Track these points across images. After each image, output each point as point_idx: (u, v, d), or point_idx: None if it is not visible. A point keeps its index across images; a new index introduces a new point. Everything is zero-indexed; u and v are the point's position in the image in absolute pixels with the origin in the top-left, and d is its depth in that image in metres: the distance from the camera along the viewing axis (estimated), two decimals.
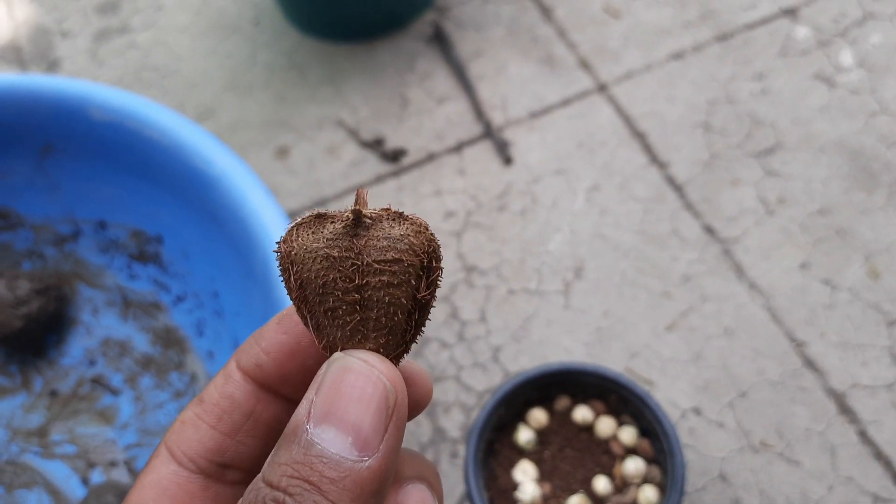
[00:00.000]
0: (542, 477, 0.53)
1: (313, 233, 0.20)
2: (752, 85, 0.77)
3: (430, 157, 0.75)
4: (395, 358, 0.20)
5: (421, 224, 0.20)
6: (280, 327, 0.21)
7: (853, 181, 0.70)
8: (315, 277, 0.19)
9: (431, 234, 0.20)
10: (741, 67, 0.78)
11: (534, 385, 0.54)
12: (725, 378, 0.61)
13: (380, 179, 0.74)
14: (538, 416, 0.55)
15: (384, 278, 0.19)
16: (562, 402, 0.55)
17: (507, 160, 0.73)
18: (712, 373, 0.61)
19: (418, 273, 0.19)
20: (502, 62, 0.81)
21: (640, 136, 0.74)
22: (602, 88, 0.78)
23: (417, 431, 0.60)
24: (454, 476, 0.58)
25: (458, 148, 0.75)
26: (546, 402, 0.56)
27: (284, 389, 0.21)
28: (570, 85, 0.78)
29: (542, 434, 0.55)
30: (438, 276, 0.20)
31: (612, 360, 0.62)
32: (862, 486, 0.56)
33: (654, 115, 0.75)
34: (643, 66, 0.79)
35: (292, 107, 0.80)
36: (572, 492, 0.52)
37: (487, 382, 0.62)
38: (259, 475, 0.17)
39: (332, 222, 0.20)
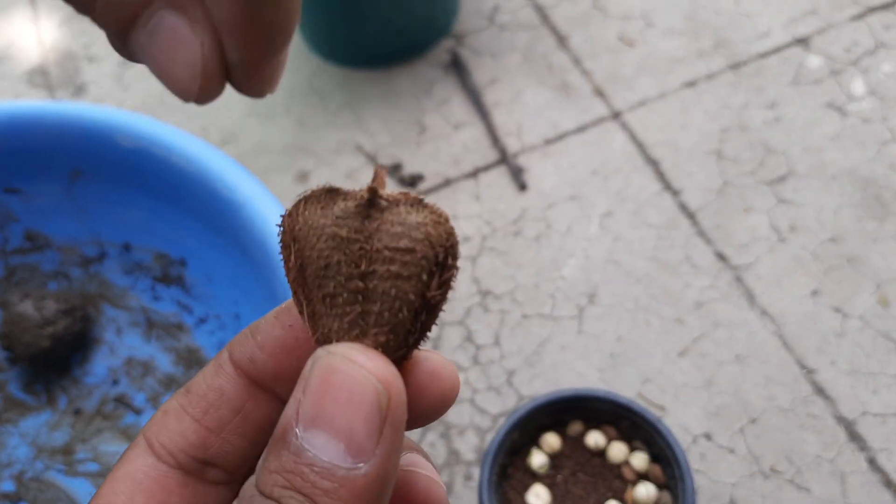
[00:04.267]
0: (555, 501, 0.54)
1: (322, 208, 0.17)
2: (765, 113, 0.78)
3: (447, 183, 0.76)
4: (394, 361, 0.18)
5: (441, 214, 0.17)
6: (278, 321, 0.19)
7: (864, 210, 0.71)
8: (317, 258, 0.17)
9: (451, 227, 0.17)
10: (754, 96, 0.79)
11: (547, 410, 0.55)
12: (736, 404, 0.62)
13: None
14: (551, 440, 0.55)
15: (393, 268, 0.17)
16: (575, 427, 0.56)
17: (522, 186, 0.75)
18: (724, 399, 0.62)
19: (431, 268, 0.17)
20: (518, 89, 0.82)
21: (653, 163, 0.75)
22: (616, 116, 0.79)
23: (433, 454, 0.61)
24: (468, 498, 0.59)
25: (474, 173, 0.77)
26: (559, 426, 0.57)
27: (278, 388, 0.19)
28: (584, 112, 0.80)
29: (555, 458, 0.56)
30: (453, 276, 0.18)
31: (624, 386, 0.63)
32: None
33: (668, 143, 0.77)
34: (657, 94, 0.80)
35: (312, 132, 0.82)
36: None
37: (501, 406, 0.63)
38: (252, 478, 0.16)
39: (344, 199, 0.17)
